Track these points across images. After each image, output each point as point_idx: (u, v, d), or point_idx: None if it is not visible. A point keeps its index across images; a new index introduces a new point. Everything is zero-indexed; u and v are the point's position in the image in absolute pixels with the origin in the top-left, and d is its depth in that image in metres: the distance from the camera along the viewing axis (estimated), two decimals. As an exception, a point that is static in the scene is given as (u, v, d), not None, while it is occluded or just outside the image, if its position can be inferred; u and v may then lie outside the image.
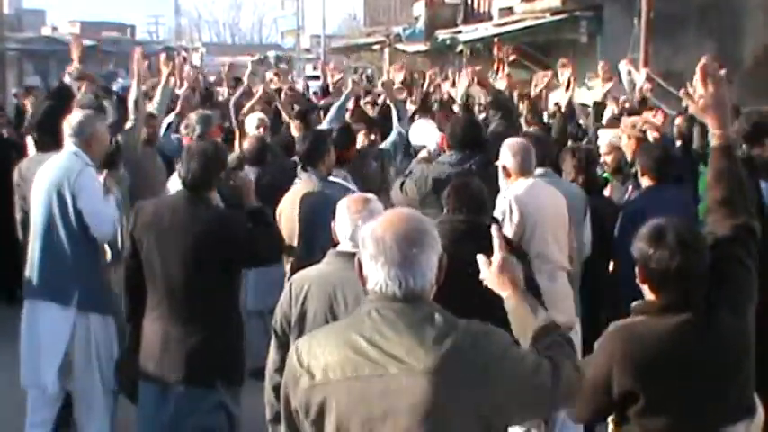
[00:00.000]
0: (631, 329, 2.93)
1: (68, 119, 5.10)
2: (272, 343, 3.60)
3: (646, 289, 2.96)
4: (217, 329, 4.22)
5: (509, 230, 4.70)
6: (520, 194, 4.84)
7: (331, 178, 5.35)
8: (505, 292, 2.53)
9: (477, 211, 3.99)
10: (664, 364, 2.84)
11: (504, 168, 4.97)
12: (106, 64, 29.50)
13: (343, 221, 3.52)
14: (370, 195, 3.66)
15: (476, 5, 29.05)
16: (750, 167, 4.76)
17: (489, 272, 2.56)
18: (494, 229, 2.62)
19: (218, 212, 4.35)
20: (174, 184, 5.46)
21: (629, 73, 9.66)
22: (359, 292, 2.38)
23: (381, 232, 2.28)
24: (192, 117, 6.56)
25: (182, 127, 6.77)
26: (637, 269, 2.95)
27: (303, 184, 5.27)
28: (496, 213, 4.74)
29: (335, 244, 3.59)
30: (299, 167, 5.43)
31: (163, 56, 7.31)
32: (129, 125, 6.48)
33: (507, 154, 4.97)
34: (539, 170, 5.20)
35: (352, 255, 2.43)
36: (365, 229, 2.34)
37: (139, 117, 6.51)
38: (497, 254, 2.57)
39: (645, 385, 2.84)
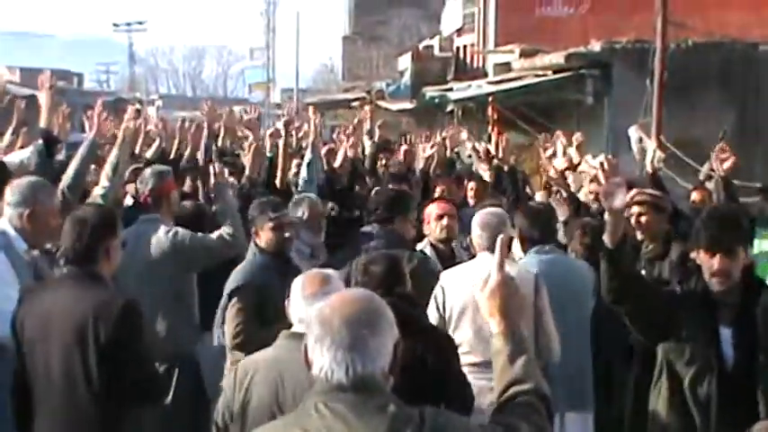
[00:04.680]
0: None
1: (12, 184, 4.77)
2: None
3: None
4: None
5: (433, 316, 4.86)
6: (450, 273, 5.04)
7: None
8: (493, 321, 2.56)
9: (389, 289, 3.91)
10: None
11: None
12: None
13: (295, 301, 3.48)
14: (330, 272, 3.60)
15: (468, 60, 29.48)
16: (712, 309, 3.95)
17: (482, 293, 2.59)
18: (498, 241, 2.64)
19: (111, 294, 3.99)
20: None
21: (640, 140, 9.68)
22: (309, 377, 2.38)
23: (329, 313, 2.33)
24: (147, 171, 6.51)
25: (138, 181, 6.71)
26: None
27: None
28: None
29: (289, 325, 3.55)
30: None
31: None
32: (100, 191, 6.09)
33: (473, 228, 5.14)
34: (541, 249, 5.25)
35: (303, 336, 2.44)
36: (313, 309, 2.39)
37: (115, 181, 6.18)
38: (493, 274, 2.59)
39: None
